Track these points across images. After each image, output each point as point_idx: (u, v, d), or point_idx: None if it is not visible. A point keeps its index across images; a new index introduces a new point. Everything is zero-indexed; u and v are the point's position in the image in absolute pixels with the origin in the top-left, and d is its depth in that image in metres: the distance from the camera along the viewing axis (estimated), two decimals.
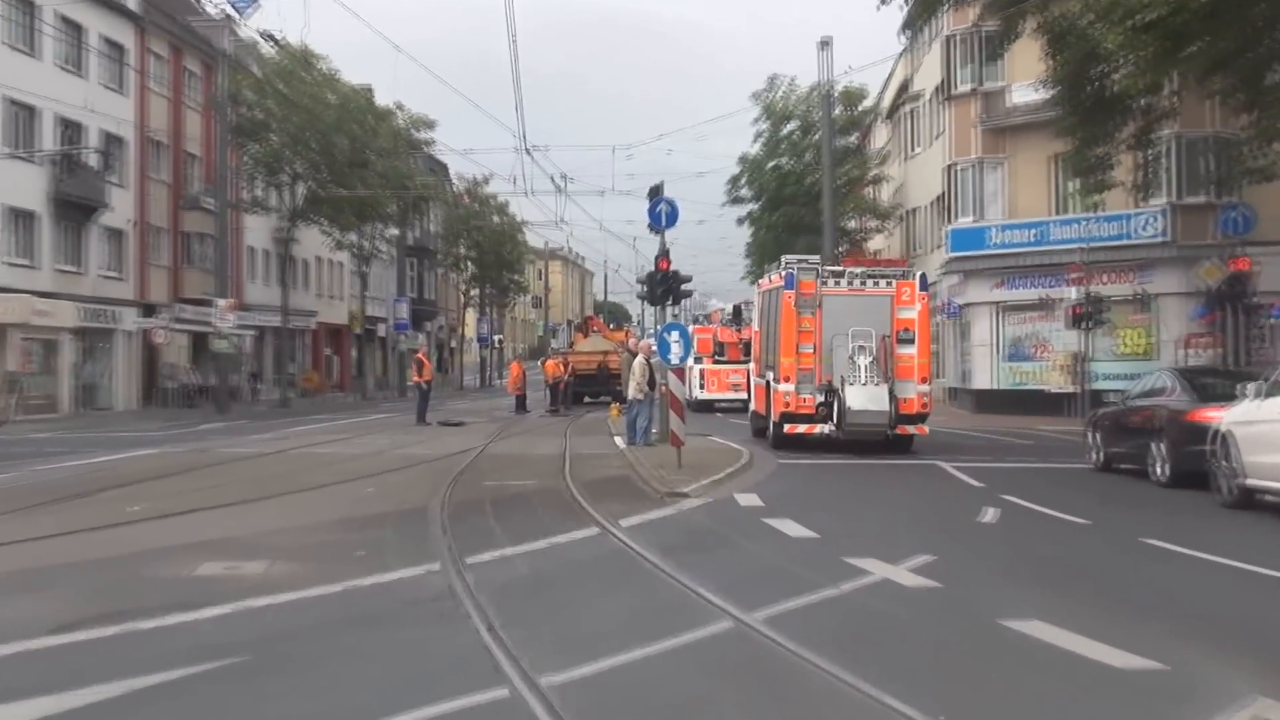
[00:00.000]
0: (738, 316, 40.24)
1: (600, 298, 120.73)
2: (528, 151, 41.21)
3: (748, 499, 13.57)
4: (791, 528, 11.12)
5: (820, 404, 20.10)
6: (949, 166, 35.26)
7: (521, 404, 36.42)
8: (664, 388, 19.43)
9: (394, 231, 54.85)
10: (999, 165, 34.24)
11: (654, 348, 19.42)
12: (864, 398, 19.72)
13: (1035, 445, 22.70)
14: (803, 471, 17.39)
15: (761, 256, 51.59)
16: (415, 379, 31.16)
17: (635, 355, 21.46)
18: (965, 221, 34.40)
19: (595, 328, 48.28)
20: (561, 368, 38.50)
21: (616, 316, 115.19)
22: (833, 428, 20.02)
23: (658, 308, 22.17)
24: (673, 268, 21.49)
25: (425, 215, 63.40)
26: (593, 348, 43.35)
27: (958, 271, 34.94)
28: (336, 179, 43.04)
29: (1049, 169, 32.86)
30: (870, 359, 19.95)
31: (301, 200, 43.82)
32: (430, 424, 28.90)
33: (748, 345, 29.82)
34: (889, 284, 20.38)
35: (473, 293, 71.27)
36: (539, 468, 17.36)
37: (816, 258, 23.01)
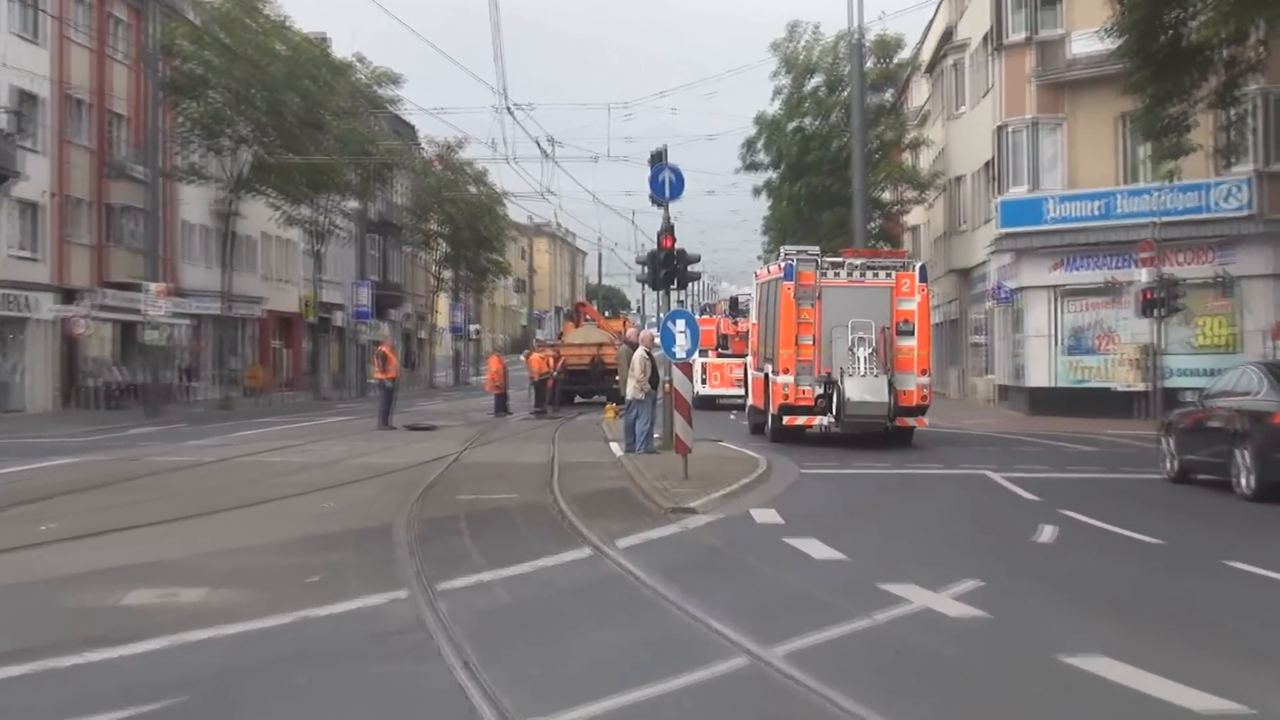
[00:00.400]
0: (735, 308, 40.64)
1: (594, 281, 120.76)
2: (509, 110, 41.24)
3: (765, 515, 13.62)
4: (816, 548, 11.15)
5: (819, 396, 23.12)
6: (999, 128, 35.26)
7: (502, 404, 36.48)
8: (667, 385, 19.44)
9: (353, 204, 54.94)
10: (1057, 127, 34.25)
11: (656, 339, 19.46)
12: (863, 389, 22.66)
13: (1099, 452, 22.78)
14: (829, 483, 17.45)
15: (781, 233, 51.59)
16: (378, 376, 31.23)
17: (634, 348, 21.51)
18: (1018, 192, 34.40)
19: (588, 315, 48.39)
20: (549, 362, 38.57)
21: (612, 302, 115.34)
22: (832, 419, 23.04)
23: (660, 292, 22.24)
24: (678, 246, 21.52)
25: (390, 185, 63.41)
26: (585, 339, 43.47)
27: (1009, 250, 34.96)
28: (286, 143, 43.07)
29: (1116, 131, 32.85)
30: (870, 350, 22.93)
31: (246, 168, 43.84)
32: (396, 428, 28.97)
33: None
34: (889, 275, 23.54)
35: (445, 275, 71.36)
36: (522, 479, 17.39)
37: (816, 248, 25.39)
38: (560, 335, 48.71)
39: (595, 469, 18.81)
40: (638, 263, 23.86)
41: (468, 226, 66.00)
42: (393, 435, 27.48)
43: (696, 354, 20.73)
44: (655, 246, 21.98)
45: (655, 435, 20.74)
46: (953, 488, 16.84)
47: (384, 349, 31.65)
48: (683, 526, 12.80)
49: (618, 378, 25.26)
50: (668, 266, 21.22)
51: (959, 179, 43.63)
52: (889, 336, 23.15)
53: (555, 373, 38.64)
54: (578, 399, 42.11)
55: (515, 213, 75.80)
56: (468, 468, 19.36)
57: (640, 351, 20.80)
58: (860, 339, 22.99)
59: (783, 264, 23.81)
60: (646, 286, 26.72)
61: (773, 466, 18.31)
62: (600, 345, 41.89)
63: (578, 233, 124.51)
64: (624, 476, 17.43)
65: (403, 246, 69.67)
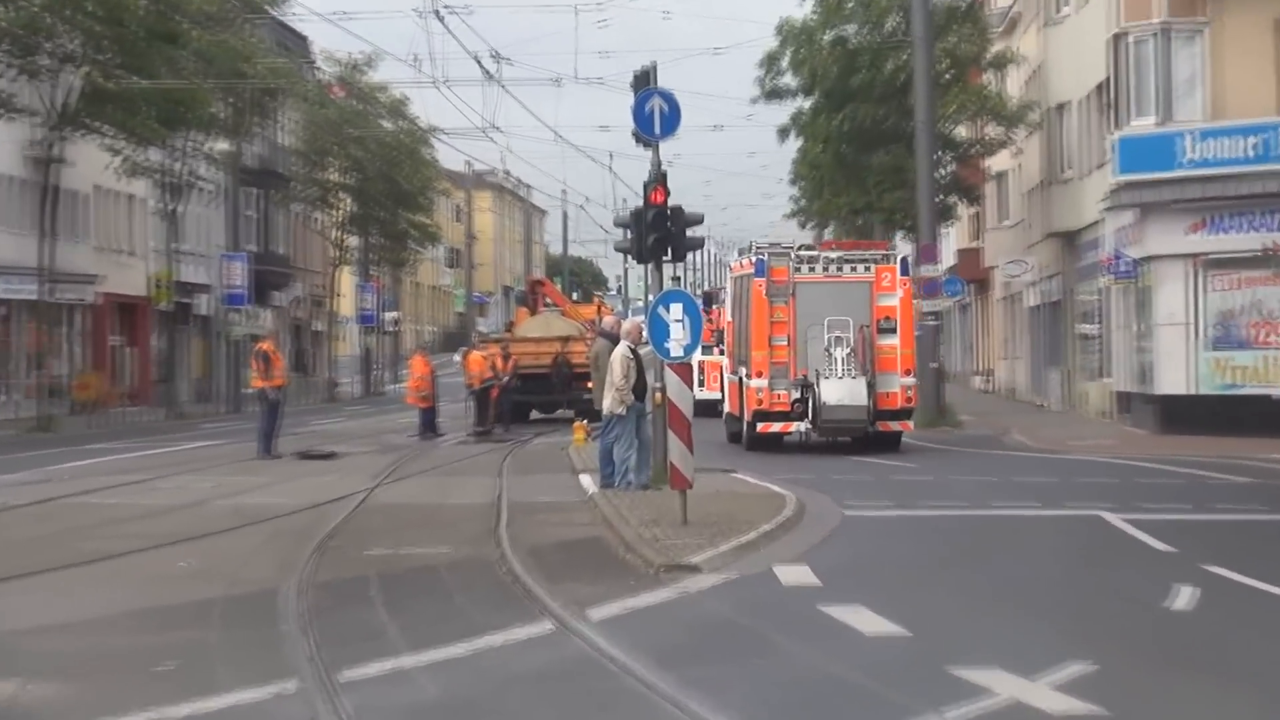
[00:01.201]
0: (709, 304, 41.57)
1: (556, 251, 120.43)
2: (437, 14, 40.72)
3: (794, 573, 13.65)
4: (865, 619, 11.19)
5: (796, 400, 28.74)
6: (1117, 37, 35.24)
7: (430, 422, 36.48)
8: (659, 395, 19.40)
9: (223, 146, 54.84)
10: (1197, 34, 34.22)
11: (644, 331, 19.42)
12: (840, 391, 28.05)
13: (1257, 485, 22.89)
14: (883, 528, 17.61)
15: (815, 184, 51.63)
16: (258, 384, 31.12)
17: (614, 342, 21.47)
18: (1143, 125, 34.40)
19: (548, 299, 48.32)
20: (494, 364, 38.49)
21: (583, 281, 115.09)
22: (809, 426, 28.90)
23: (649, 266, 22.21)
24: (673, 201, 21.49)
25: (274, 120, 63.40)
26: (544, 331, 43.45)
27: (1131, 205, 34.99)
28: (129, 62, 42.94)
29: (1277, 40, 32.85)
30: (848, 350, 28.29)
31: (74, 97, 43.72)
32: (282, 456, 28.99)
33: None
34: (868, 269, 29.36)
35: (351, 244, 71.34)
36: (458, 526, 17.42)
37: (790, 240, 32.52)
38: (510, 326, 48.60)
39: (559, 512, 18.82)
40: (617, 225, 23.88)
41: (381, 176, 65.98)
42: (278, 466, 27.42)
43: (699, 351, 21.09)
44: (641, 203, 21.92)
45: (643, 468, 20.61)
46: (1054, 535, 16.94)
47: (265, 347, 31.56)
48: (680, 591, 12.82)
49: (590, 384, 25.37)
50: (658, 230, 21.16)
51: (1061, 108, 43.71)
52: (868, 335, 28.67)
53: (503, 378, 38.57)
54: (535, 414, 42.11)
55: (448, 157, 75.97)
56: (382, 511, 19.38)
57: (622, 348, 20.73)
58: (837, 338, 28.28)
59: (754, 259, 29.42)
60: (629, 258, 27.14)
61: (805, 508, 18.38)
62: (565, 340, 41.89)
63: (534, 184, 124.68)
64: (599, 522, 17.41)
65: (291, 205, 69.66)
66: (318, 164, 66.64)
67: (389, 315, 79.22)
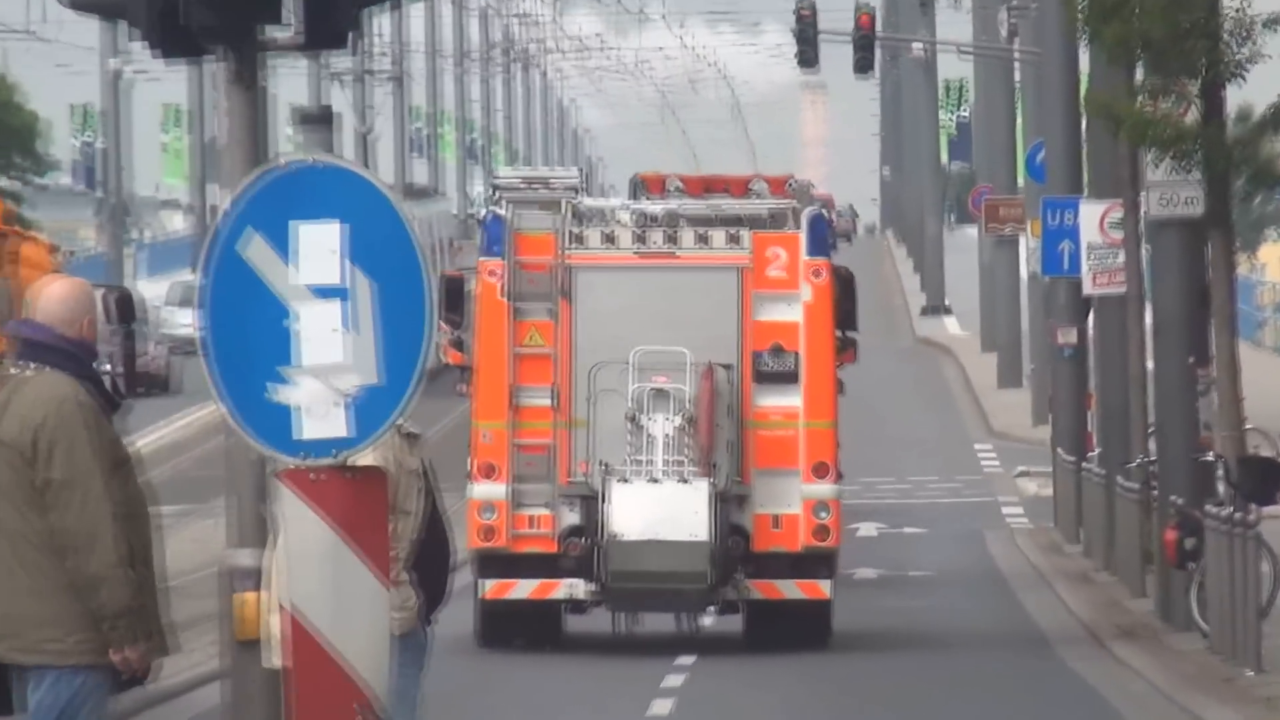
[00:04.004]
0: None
1: None
2: None
3: None
4: None
5: (569, 530, 25.22)
6: None
7: None
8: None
9: None
10: None
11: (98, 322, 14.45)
12: (648, 511, 23.96)
13: None
14: None
15: None
16: None
17: (91, 384, 15.21)
18: None
19: None
20: None
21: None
22: (591, 587, 24.64)
23: (217, 75, 14.89)
24: None
25: None
26: None
27: None
28: None
29: None
30: (679, 420, 24.24)
31: None
32: None
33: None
34: (734, 241, 25.34)
35: None
36: None
37: (572, 172, 28.11)
38: None
39: None
40: None
41: None
42: None
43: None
44: None
45: None
46: None
47: None
48: None
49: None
50: None
51: None
52: (729, 386, 24.92)
53: None
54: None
55: None
56: None
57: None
58: (657, 393, 24.32)
59: (484, 212, 26.41)
60: (126, 36, 28.34)
61: None
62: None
63: None
64: None
65: None
66: None
67: None
